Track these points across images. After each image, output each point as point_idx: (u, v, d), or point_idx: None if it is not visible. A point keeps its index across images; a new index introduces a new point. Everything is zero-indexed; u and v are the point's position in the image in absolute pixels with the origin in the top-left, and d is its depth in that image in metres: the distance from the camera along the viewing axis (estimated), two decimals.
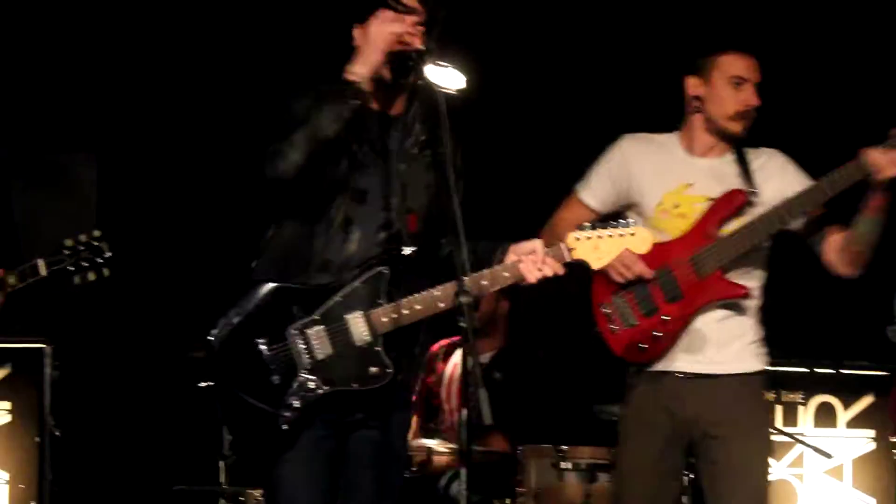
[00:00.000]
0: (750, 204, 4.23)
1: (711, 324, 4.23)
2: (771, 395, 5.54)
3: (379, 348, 3.57)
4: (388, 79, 3.64)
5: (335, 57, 3.70)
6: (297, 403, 3.54)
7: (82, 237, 4.33)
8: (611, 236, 3.55)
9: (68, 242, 4.33)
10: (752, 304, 4.28)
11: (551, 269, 3.57)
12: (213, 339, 3.59)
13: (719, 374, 4.23)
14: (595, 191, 4.34)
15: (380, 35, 3.56)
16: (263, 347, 3.57)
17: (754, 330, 4.30)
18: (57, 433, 5.33)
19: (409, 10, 3.61)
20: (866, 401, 5.61)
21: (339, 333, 3.57)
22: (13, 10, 6.07)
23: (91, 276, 4.35)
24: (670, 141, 4.38)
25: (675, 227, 4.25)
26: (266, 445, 3.60)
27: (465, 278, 3.32)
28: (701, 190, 4.26)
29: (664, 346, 4.22)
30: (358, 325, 3.57)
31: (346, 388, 3.57)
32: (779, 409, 5.57)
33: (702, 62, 4.31)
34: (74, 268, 4.32)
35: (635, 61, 6.27)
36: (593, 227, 3.57)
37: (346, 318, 3.57)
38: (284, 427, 3.54)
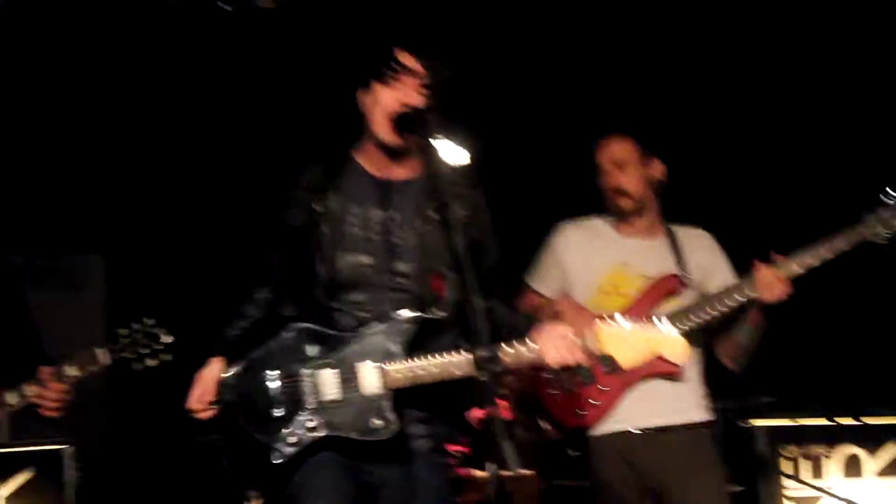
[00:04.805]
0: (683, 286, 4.50)
1: (657, 385, 4.45)
2: (795, 450, 5.55)
3: (386, 402, 3.55)
4: (393, 143, 3.68)
5: (342, 127, 3.75)
6: (293, 440, 3.54)
7: (136, 326, 4.35)
8: (645, 337, 3.51)
9: (123, 332, 4.34)
10: (695, 367, 4.51)
11: (575, 360, 3.55)
12: (229, 374, 3.66)
13: (674, 425, 4.44)
14: (545, 279, 4.62)
15: None
16: (273, 379, 3.60)
17: (699, 386, 4.54)
18: None
19: (411, 72, 3.66)
20: (892, 449, 5.58)
21: (349, 380, 3.57)
22: (18, 118, 6.16)
23: (151, 363, 4.35)
24: (602, 224, 4.63)
25: (615, 305, 4.44)
26: (257, 477, 3.60)
27: (491, 346, 3.29)
28: (637, 270, 4.51)
29: (602, 412, 4.43)
30: (370, 375, 3.57)
31: (346, 436, 3.55)
32: (804, 464, 5.54)
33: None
34: (134, 356, 4.34)
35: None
36: (630, 322, 3.54)
37: (357, 365, 3.58)
38: (278, 461, 3.53)
